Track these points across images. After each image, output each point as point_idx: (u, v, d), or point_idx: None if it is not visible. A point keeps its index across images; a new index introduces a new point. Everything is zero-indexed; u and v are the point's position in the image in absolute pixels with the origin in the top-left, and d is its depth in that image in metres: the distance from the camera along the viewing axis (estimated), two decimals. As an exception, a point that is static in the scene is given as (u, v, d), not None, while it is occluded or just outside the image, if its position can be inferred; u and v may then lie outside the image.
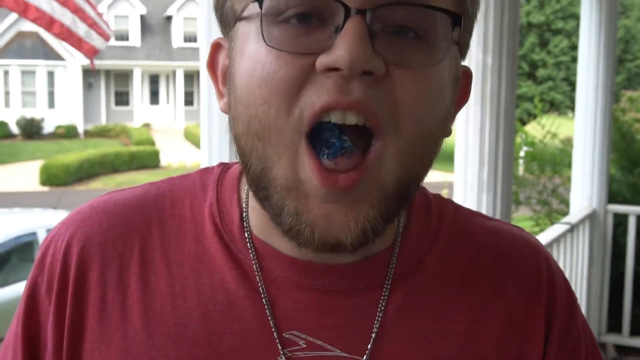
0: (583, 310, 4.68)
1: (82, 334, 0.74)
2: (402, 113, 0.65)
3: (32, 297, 0.77)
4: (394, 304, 0.75)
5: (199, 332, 0.72)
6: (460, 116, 2.72)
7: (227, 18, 0.71)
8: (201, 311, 0.73)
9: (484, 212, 2.72)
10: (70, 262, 0.75)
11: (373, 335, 0.73)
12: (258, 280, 0.74)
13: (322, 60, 0.63)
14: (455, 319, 0.76)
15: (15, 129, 30.10)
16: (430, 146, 0.69)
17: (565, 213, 5.35)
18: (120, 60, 33.69)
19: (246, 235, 0.76)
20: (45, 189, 21.82)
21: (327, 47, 0.63)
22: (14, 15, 30.58)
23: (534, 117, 17.69)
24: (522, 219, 7.76)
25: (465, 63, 2.70)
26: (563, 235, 4.06)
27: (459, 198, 2.74)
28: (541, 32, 27.98)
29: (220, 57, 0.75)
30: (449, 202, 0.85)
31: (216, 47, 0.76)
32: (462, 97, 0.77)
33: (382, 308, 0.74)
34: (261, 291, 0.73)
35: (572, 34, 26.81)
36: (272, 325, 0.72)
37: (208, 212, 0.78)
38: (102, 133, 31.60)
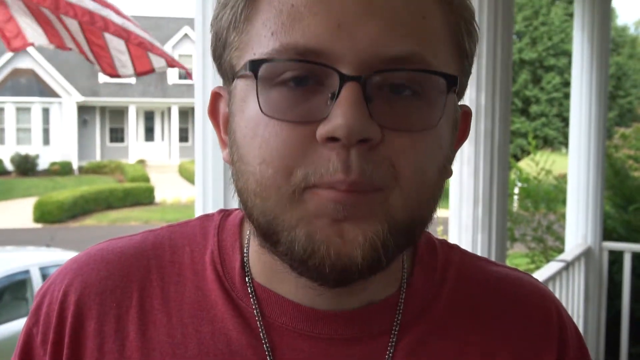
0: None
1: None
2: (401, 173, 0.65)
3: (26, 349, 0.76)
4: (402, 351, 0.74)
5: None
6: (455, 155, 2.72)
7: (225, 70, 0.71)
8: None
9: (479, 250, 2.72)
10: (67, 312, 0.75)
11: None
12: (259, 326, 0.73)
13: (321, 131, 0.63)
14: None
15: (9, 166, 30.10)
16: (431, 193, 0.68)
17: (561, 250, 5.35)
18: (116, 98, 33.87)
19: (247, 281, 0.75)
20: (39, 225, 21.74)
21: (325, 113, 0.63)
22: (9, 53, 30.81)
23: (528, 153, 17.78)
24: (517, 255, 7.75)
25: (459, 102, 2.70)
26: (559, 272, 4.05)
27: (454, 236, 2.74)
28: (534, 68, 28.27)
29: (220, 106, 0.75)
30: (454, 248, 0.84)
31: (216, 96, 0.76)
32: (461, 136, 0.77)
33: (390, 356, 0.73)
34: (262, 337, 0.72)
35: (565, 71, 27.10)
36: None
37: (209, 260, 0.77)
38: (96, 169, 31.61)
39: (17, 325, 8.31)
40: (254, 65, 0.65)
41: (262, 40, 0.66)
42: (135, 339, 0.73)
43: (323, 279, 0.66)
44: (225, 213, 0.82)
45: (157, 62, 4.18)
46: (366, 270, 0.65)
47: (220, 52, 0.72)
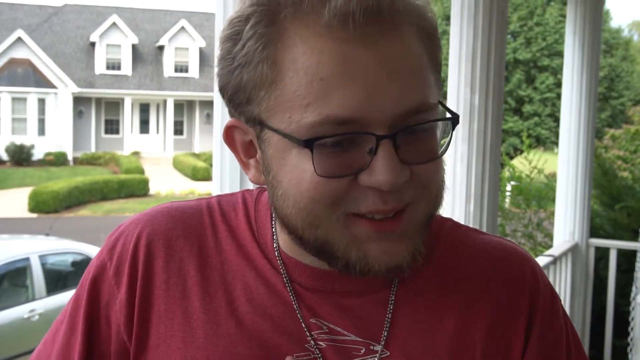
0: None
1: (150, 310, 0.90)
2: (426, 187, 0.83)
3: (97, 277, 0.93)
4: (401, 301, 0.91)
5: (245, 312, 0.89)
6: (449, 153, 2.86)
7: (249, 117, 0.84)
8: (247, 297, 0.90)
9: (470, 243, 2.84)
10: (140, 252, 0.91)
11: (386, 325, 0.89)
12: (285, 281, 0.91)
13: (365, 180, 0.78)
14: (448, 315, 0.91)
15: (4, 156, 30.07)
16: (443, 191, 0.87)
17: (549, 246, 5.48)
18: (111, 89, 33.80)
19: (275, 247, 0.92)
20: (34, 215, 21.77)
21: (363, 164, 0.78)
22: (6, 42, 30.73)
23: (521, 151, 17.89)
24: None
25: (453, 102, 2.87)
26: (546, 267, 4.18)
27: (447, 230, 2.85)
28: (528, 68, 28.32)
29: (236, 135, 0.89)
30: (449, 219, 1.01)
31: (231, 128, 0.89)
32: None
33: (392, 304, 0.90)
34: (288, 289, 0.90)
35: (558, 72, 27.12)
36: (298, 312, 0.89)
37: (248, 225, 0.95)
38: (91, 161, 31.57)
39: (16, 312, 8.39)
40: (309, 143, 0.77)
41: (296, 109, 0.78)
42: (195, 275, 0.91)
43: (372, 277, 0.85)
44: (261, 189, 0.99)
45: None
46: (409, 268, 0.84)
47: (241, 102, 0.83)
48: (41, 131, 31.29)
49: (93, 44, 34.17)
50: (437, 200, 0.85)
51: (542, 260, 4.20)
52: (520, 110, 28.24)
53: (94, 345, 0.92)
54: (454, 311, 0.92)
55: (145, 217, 0.95)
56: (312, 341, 0.88)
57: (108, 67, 34.18)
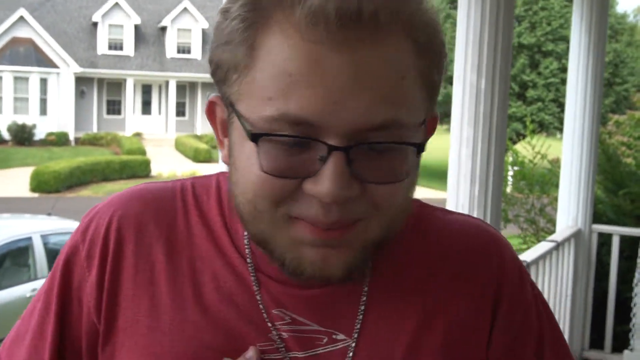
0: (566, 326, 4.79)
1: (118, 294, 0.90)
2: (379, 205, 0.79)
3: (70, 258, 0.93)
4: (371, 288, 0.90)
5: (212, 300, 0.88)
6: (454, 137, 2.85)
7: (223, 94, 0.82)
8: (214, 284, 0.89)
9: (474, 227, 2.84)
10: (111, 235, 0.91)
11: (354, 314, 0.88)
12: (250, 270, 0.90)
13: (308, 188, 0.76)
14: (416, 299, 0.90)
15: (6, 135, 30.09)
16: (404, 212, 0.84)
17: (552, 232, 5.48)
18: (114, 70, 33.76)
19: (245, 233, 0.91)
20: (36, 195, 21.82)
21: (312, 170, 0.75)
22: (8, 21, 30.64)
23: (523, 136, 17.87)
24: (509, 236, 7.89)
25: (459, 85, 2.85)
26: (549, 252, 4.19)
27: (451, 214, 2.86)
28: (532, 53, 28.25)
29: (217, 111, 0.87)
30: (415, 201, 0.96)
31: (213, 103, 0.88)
32: (428, 134, 0.89)
33: (365, 293, 0.89)
34: (252, 278, 0.89)
35: (563, 57, 27.07)
36: (260, 302, 0.88)
37: (220, 211, 0.93)
38: (93, 141, 31.61)
39: (18, 291, 8.42)
40: (255, 137, 0.75)
41: (259, 100, 0.75)
42: (163, 261, 0.90)
43: (306, 281, 0.83)
44: None
45: None
46: (341, 282, 0.82)
47: (220, 79, 0.81)
48: (43, 111, 31.30)
49: (95, 24, 34.08)
50: (392, 223, 0.81)
51: (544, 246, 4.21)
52: (523, 95, 28.19)
53: (66, 326, 0.92)
54: (422, 295, 0.91)
55: (118, 200, 0.94)
56: (274, 331, 0.87)
57: (110, 48, 34.11)
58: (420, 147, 0.79)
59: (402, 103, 0.76)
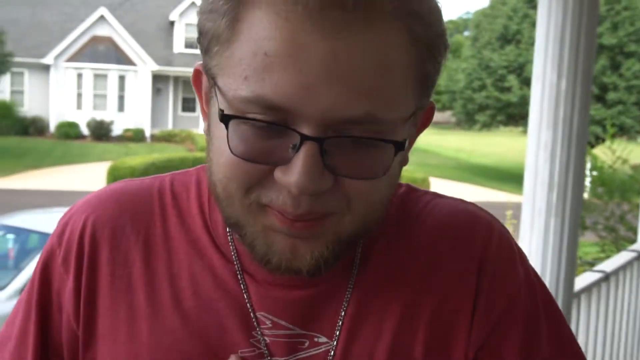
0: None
1: (95, 301, 0.86)
2: (353, 201, 0.74)
3: (47, 263, 0.89)
4: (356, 287, 0.85)
5: (190, 306, 0.84)
6: (531, 140, 2.74)
7: (205, 65, 0.77)
8: (193, 290, 0.85)
9: (550, 235, 2.73)
10: (85, 241, 0.87)
11: (336, 316, 0.84)
12: (237, 269, 0.85)
13: (278, 177, 0.71)
14: (399, 295, 0.85)
15: (85, 130, 31.00)
16: (380, 210, 0.78)
17: (633, 240, 5.26)
18: (190, 68, 34.27)
19: (228, 231, 0.86)
20: (112, 190, 22.38)
21: (284, 158, 0.71)
22: (89, 20, 31.57)
23: (602, 140, 17.37)
24: (587, 244, 7.64)
25: (538, 86, 2.70)
26: (630, 262, 4.01)
27: (527, 220, 2.75)
28: (613, 54, 27.46)
29: (203, 80, 0.81)
30: (402, 186, 0.92)
31: (199, 72, 0.82)
32: (423, 126, 0.84)
33: (349, 292, 0.85)
34: (239, 278, 0.85)
35: (646, 58, 26.22)
36: (248, 305, 0.84)
37: (200, 209, 0.88)
38: (168, 138, 32.26)
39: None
40: (225, 118, 0.71)
41: (237, 78, 0.71)
42: (140, 267, 0.86)
43: (274, 272, 0.78)
44: None
45: None
46: (310, 275, 0.78)
47: (204, 48, 0.76)
48: (120, 107, 32.11)
49: (172, 23, 34.76)
50: (365, 221, 0.77)
51: (625, 256, 4.04)
52: (603, 97, 27.43)
53: (49, 332, 0.90)
54: (405, 288, 0.86)
55: (92, 203, 0.90)
56: (257, 335, 0.83)
57: (186, 46, 34.73)
58: (399, 145, 0.73)
59: (380, 98, 0.71)
